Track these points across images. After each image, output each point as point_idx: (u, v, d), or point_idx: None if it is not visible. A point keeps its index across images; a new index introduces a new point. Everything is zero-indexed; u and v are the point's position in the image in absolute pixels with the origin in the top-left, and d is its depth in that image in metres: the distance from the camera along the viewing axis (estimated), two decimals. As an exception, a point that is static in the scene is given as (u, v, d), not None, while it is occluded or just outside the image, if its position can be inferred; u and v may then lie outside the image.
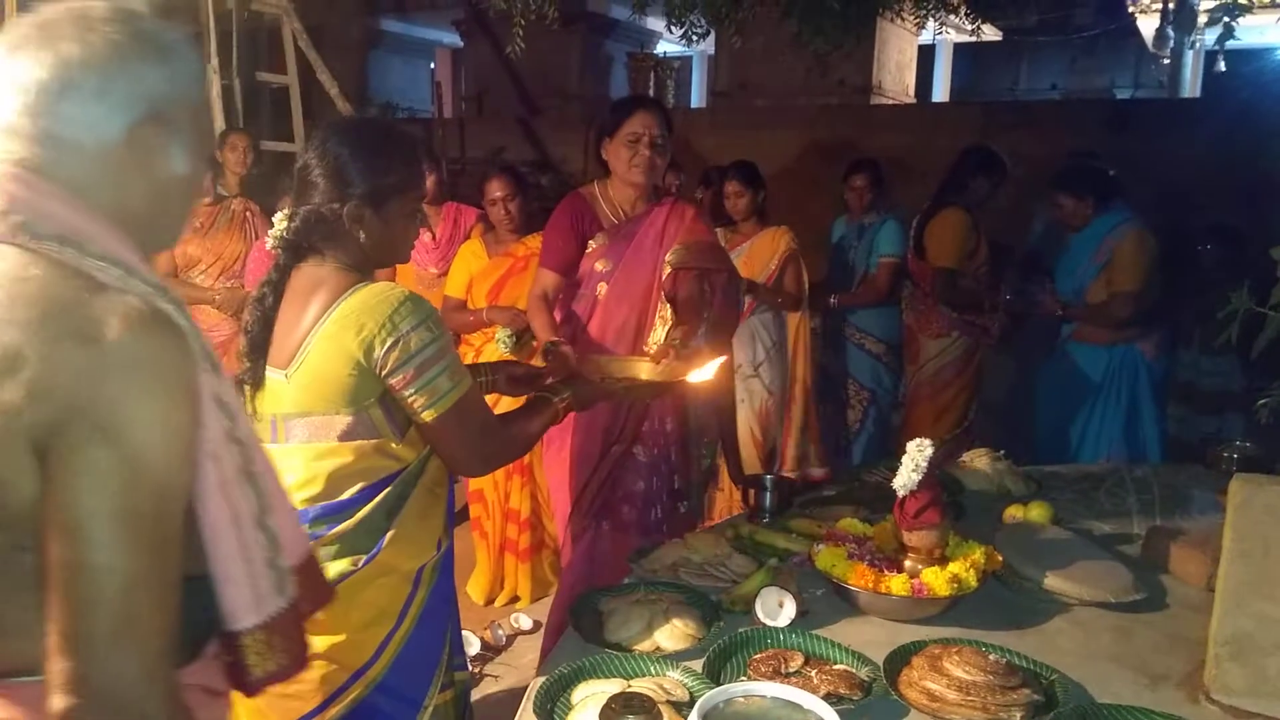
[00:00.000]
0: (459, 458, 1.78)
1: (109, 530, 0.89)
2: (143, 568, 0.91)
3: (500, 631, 3.40)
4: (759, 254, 4.19)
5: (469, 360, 3.39)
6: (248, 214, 4.37)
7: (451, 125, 9.29)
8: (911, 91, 9.12)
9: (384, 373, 1.61)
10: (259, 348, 1.71)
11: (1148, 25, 10.30)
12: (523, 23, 4.96)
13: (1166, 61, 10.38)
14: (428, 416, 1.65)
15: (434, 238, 4.13)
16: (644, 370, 2.29)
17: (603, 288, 2.72)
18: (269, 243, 1.78)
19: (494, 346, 3.66)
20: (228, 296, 4.21)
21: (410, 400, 1.64)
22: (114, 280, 0.97)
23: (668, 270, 2.71)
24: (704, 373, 2.20)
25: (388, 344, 1.60)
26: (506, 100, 9.46)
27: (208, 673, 1.10)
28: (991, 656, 1.55)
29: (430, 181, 4.11)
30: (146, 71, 1.03)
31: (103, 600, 0.89)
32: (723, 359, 2.28)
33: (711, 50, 11.13)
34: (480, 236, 3.94)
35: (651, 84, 9.58)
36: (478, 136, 8.63)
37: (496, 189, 3.78)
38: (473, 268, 3.81)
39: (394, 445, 1.69)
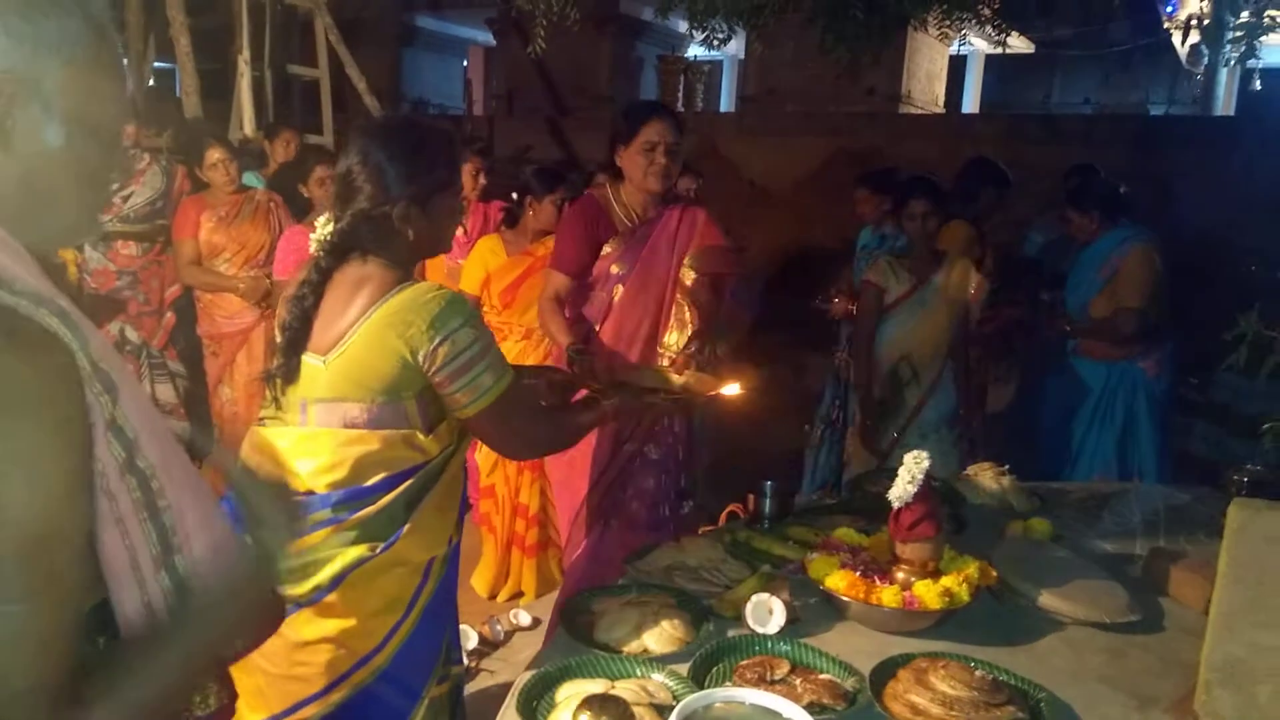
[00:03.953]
0: (507, 445, 1.97)
1: None
2: (18, 627, 0.79)
3: (499, 627, 3.41)
4: (959, 290, 3.48)
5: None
6: (271, 204, 4.43)
7: (481, 123, 9.35)
8: (941, 101, 9.07)
9: (430, 370, 1.67)
10: (296, 345, 1.76)
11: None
12: (545, 23, 4.99)
13: (1200, 79, 10.26)
14: (471, 411, 1.72)
15: (465, 231, 4.15)
16: (676, 382, 2.31)
17: (619, 290, 2.75)
18: (312, 246, 1.83)
19: (509, 345, 3.68)
20: (251, 285, 4.27)
21: (455, 396, 1.70)
22: None
23: (690, 277, 2.73)
24: (735, 388, 2.25)
25: (435, 342, 1.66)
26: (537, 100, 9.50)
27: None
28: (978, 672, 1.54)
29: (473, 173, 4.19)
30: None
31: None
32: (750, 375, 2.32)
33: (741, 55, 11.12)
34: (500, 233, 3.92)
35: (681, 87, 9.58)
36: (507, 135, 8.67)
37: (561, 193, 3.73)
38: (490, 265, 3.80)
39: (420, 437, 1.73)
